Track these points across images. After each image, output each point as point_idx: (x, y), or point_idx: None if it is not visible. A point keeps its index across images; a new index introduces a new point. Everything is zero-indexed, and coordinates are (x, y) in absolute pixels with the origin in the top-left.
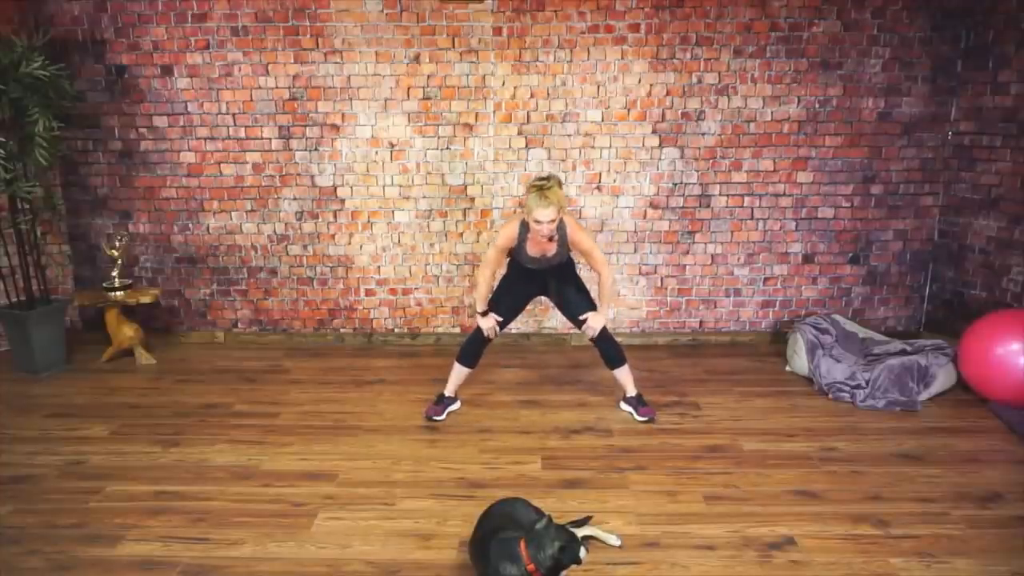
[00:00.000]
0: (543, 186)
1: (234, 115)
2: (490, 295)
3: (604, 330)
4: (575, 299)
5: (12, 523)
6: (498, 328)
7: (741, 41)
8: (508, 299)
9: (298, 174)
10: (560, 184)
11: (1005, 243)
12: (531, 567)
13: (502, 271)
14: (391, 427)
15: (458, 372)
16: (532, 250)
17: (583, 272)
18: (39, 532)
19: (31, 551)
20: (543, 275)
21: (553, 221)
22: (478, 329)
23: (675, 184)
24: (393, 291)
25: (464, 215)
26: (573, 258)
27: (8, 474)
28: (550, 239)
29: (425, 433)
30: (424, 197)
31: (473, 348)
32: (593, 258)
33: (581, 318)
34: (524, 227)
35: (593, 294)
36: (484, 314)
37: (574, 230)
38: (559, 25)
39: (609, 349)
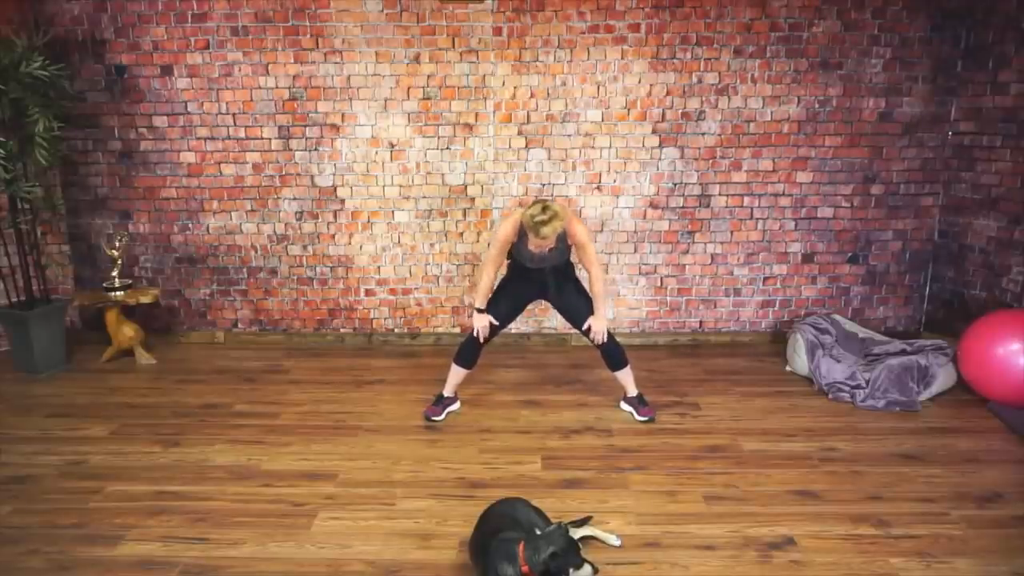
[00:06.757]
0: (542, 221)
1: (234, 115)
2: (491, 293)
3: (608, 334)
4: (575, 301)
5: (12, 523)
6: (489, 330)
7: (741, 41)
8: (507, 301)
9: (298, 174)
10: (559, 217)
11: (1005, 243)
12: (525, 568)
13: (503, 272)
14: (391, 427)
15: (455, 373)
16: (532, 245)
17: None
18: (39, 532)
19: (31, 551)
20: (542, 275)
21: (546, 240)
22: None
23: (675, 184)
24: (393, 291)
25: (464, 215)
26: (572, 261)
27: (8, 474)
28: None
29: (425, 433)
30: (424, 197)
31: (469, 349)
32: (587, 252)
33: (584, 328)
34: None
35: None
36: (481, 311)
37: (571, 222)
38: (559, 25)
39: (612, 352)
